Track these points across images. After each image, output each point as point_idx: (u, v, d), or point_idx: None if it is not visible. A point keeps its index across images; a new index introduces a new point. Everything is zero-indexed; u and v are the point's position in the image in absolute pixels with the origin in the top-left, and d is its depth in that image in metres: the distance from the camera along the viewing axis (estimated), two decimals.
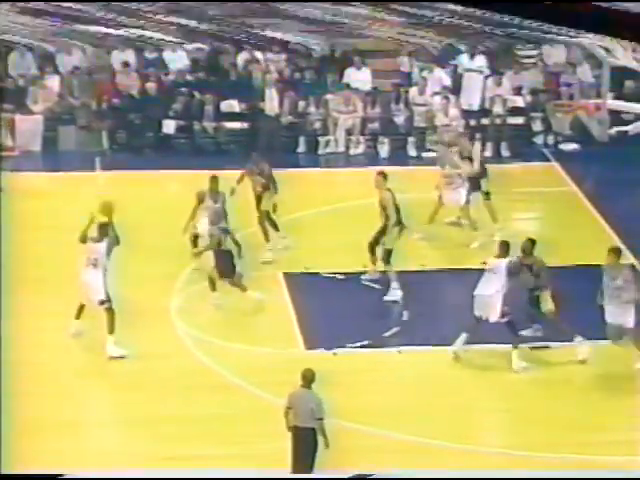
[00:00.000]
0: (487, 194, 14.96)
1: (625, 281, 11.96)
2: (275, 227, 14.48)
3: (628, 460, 10.63)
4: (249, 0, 19.27)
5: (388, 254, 13.53)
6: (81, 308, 12.35)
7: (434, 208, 14.92)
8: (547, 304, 12.30)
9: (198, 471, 10.28)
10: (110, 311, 12.16)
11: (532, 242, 12.57)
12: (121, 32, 19.27)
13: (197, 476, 10.30)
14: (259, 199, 14.45)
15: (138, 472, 10.21)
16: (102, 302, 12.15)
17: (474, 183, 14.92)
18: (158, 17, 19.38)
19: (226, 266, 13.04)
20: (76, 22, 19.32)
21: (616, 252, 12.38)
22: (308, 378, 10.21)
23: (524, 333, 12.51)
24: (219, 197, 14.00)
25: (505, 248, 12.40)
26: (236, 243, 13.64)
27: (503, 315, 12.12)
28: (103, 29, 19.32)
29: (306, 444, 10.10)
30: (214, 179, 14.16)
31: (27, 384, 11.52)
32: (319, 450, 10.06)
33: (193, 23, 19.42)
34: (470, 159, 15.02)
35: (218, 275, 13.07)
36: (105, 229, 12.25)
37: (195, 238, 14.03)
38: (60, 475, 9.21)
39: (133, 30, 19.36)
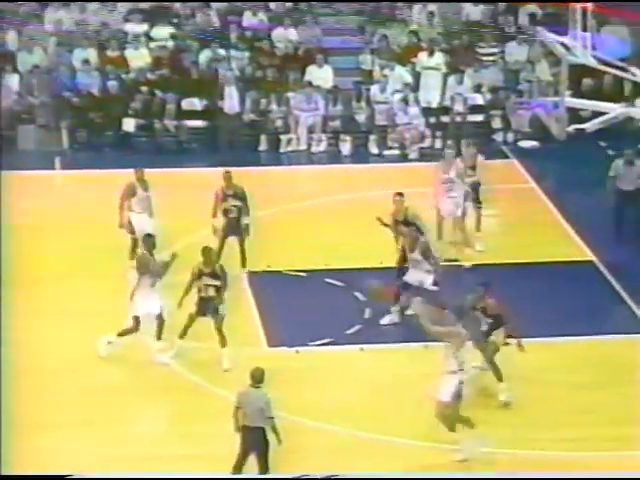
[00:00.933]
0: (480, 203, 14.94)
1: None
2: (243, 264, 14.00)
3: (583, 456, 10.78)
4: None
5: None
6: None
7: (437, 222, 14.63)
8: None
9: (176, 472, 10.32)
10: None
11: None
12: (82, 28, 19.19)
13: (196, 476, 10.30)
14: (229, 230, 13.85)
15: (138, 473, 10.23)
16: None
17: (474, 193, 14.84)
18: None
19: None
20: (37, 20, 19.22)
21: None
22: (257, 377, 10.18)
23: None
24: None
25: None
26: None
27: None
28: (65, 27, 19.23)
29: (256, 444, 10.08)
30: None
31: (27, 384, 11.51)
32: (271, 449, 10.04)
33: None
34: (473, 168, 14.92)
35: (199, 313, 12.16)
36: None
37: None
38: (61, 476, 9.20)
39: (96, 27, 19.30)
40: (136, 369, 11.86)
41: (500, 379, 11.65)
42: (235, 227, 13.94)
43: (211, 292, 12.23)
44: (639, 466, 10.59)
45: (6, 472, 9.73)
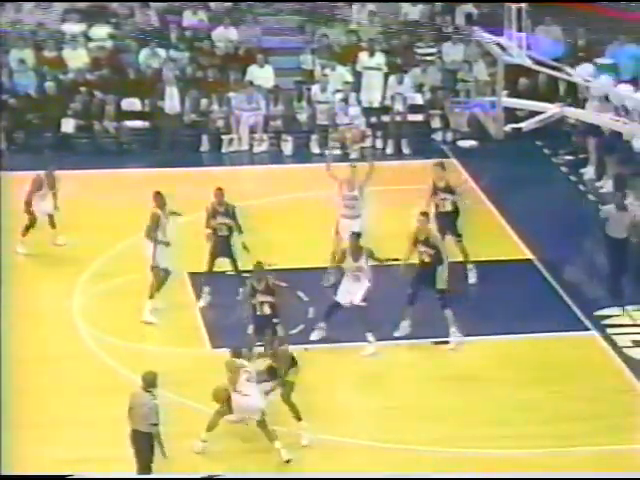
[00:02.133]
0: (460, 236, 14.12)
1: None
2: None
3: (531, 454, 10.97)
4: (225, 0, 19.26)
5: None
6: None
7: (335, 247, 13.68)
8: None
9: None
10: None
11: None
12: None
13: (195, 476, 10.25)
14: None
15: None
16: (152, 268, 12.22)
17: (449, 222, 13.97)
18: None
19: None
20: None
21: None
22: (147, 381, 10.08)
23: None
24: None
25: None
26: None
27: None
28: None
29: (141, 447, 9.97)
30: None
31: (27, 384, 11.43)
32: (156, 456, 9.93)
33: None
34: (449, 190, 14.01)
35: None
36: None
37: None
38: (61, 476, 9.12)
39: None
40: (137, 370, 11.74)
41: (299, 418, 11.11)
42: (225, 247, 13.28)
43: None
44: (577, 464, 10.80)
45: (6, 472, 9.63)
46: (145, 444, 9.98)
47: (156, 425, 9.94)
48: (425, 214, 13.43)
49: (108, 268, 14.28)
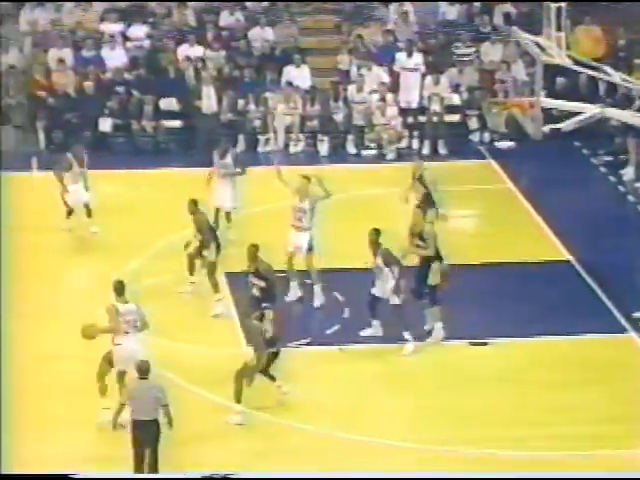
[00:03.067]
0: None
1: None
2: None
3: (566, 456, 10.88)
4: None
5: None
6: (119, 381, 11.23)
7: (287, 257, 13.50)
8: None
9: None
10: None
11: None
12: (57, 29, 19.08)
13: (195, 476, 10.28)
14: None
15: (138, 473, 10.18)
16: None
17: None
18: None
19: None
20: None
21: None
22: (142, 369, 10.22)
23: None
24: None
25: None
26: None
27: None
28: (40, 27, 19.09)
29: (149, 436, 10.06)
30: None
31: (27, 386, 11.49)
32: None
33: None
34: (422, 206, 13.62)
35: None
36: (123, 289, 11.33)
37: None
38: (61, 476, 9.17)
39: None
40: (176, 369, 11.81)
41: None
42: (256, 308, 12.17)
43: (256, 292, 12.14)
44: (614, 465, 10.69)
45: (6, 472, 9.69)
46: (154, 431, 10.07)
47: (167, 405, 10.11)
48: (420, 206, 13.22)
49: (144, 268, 14.34)
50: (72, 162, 14.98)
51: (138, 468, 10.17)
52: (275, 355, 11.54)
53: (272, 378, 11.61)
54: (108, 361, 11.28)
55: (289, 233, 13.58)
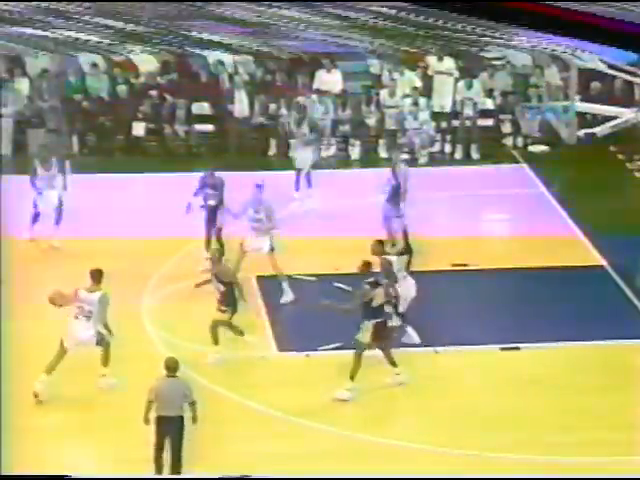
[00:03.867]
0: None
1: None
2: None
3: (596, 461, 10.75)
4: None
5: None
6: (58, 358, 11.56)
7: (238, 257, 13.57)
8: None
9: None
10: (107, 350, 11.74)
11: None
12: (49, 34, 19.04)
13: (196, 476, 10.29)
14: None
15: (138, 473, 10.26)
16: (97, 343, 11.67)
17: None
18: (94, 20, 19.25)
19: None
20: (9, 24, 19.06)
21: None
22: (172, 367, 10.33)
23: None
24: None
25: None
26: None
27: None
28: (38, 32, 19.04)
29: (175, 433, 10.14)
30: None
31: (27, 388, 11.51)
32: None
33: (130, 27, 19.28)
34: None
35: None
36: (99, 278, 11.61)
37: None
38: (61, 476, 9.20)
39: (63, 32, 19.14)
40: (138, 373, 11.83)
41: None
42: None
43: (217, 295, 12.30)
44: None
45: (6, 472, 9.72)
46: (178, 427, 10.15)
47: (194, 403, 10.23)
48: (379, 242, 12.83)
49: (176, 271, 14.36)
50: (36, 166, 14.81)
51: (157, 463, 10.21)
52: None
53: (394, 364, 11.69)
54: (61, 345, 11.50)
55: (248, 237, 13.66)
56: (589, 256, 14.97)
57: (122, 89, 18.71)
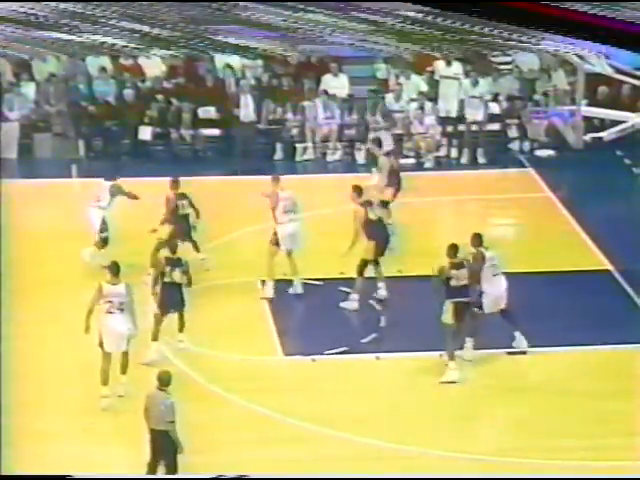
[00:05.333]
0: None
1: None
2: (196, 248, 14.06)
3: (603, 466, 10.71)
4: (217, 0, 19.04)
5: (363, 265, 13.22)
6: (107, 365, 11.43)
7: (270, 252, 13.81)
8: None
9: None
10: (127, 354, 11.55)
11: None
12: (76, 37, 19.03)
13: (196, 477, 10.28)
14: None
15: (138, 473, 10.24)
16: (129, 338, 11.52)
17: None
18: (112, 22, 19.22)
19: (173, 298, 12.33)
20: (38, 29, 19.10)
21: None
22: (163, 380, 10.15)
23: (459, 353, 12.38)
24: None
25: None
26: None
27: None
28: (64, 36, 19.05)
29: (161, 446, 9.98)
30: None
31: (27, 389, 11.54)
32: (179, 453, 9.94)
33: (146, 28, 19.25)
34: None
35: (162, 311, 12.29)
36: (117, 271, 11.60)
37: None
38: (61, 476, 9.19)
39: (90, 36, 19.14)
40: (137, 375, 11.83)
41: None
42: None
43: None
44: None
45: (6, 473, 9.73)
46: (165, 442, 10.00)
47: (173, 422, 9.99)
48: (356, 187, 13.30)
49: None
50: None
51: (150, 473, 10.12)
52: None
53: (452, 356, 11.67)
54: (100, 344, 11.40)
55: (281, 228, 13.72)
56: (595, 260, 14.92)
57: (129, 93, 18.74)
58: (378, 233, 13.36)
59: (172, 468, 10.05)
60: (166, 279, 12.31)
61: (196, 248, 14.12)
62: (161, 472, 10.13)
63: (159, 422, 10.03)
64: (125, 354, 11.57)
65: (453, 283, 11.97)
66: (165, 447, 10.00)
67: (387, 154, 15.53)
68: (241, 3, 16.68)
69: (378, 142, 16.03)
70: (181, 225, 14.07)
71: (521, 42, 19.42)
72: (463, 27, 18.70)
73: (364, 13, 17.87)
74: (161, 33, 18.21)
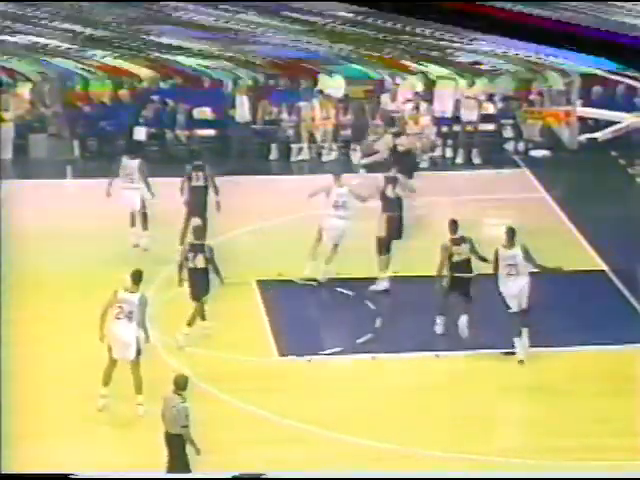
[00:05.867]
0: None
1: None
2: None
3: (604, 466, 10.73)
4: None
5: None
6: (110, 369, 11.47)
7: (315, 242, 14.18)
8: None
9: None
10: (137, 367, 11.45)
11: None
12: (16, 39, 18.91)
13: (196, 476, 10.31)
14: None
15: (138, 473, 10.25)
16: (137, 353, 11.37)
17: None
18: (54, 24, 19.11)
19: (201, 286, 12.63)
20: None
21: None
22: (179, 384, 10.18)
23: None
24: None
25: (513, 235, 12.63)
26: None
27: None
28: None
29: (174, 450, 10.04)
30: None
31: (26, 392, 11.52)
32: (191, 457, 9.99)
33: (88, 30, 19.14)
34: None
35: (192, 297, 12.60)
36: (140, 278, 11.58)
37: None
38: (62, 475, 9.20)
39: (29, 37, 19.03)
40: (205, 377, 11.85)
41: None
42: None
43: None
44: None
45: (6, 472, 9.74)
46: (178, 445, 10.03)
47: (186, 427, 9.98)
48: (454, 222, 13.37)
49: (175, 277, 14.30)
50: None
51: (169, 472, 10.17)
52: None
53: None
54: (109, 353, 11.39)
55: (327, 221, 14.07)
56: (590, 261, 14.95)
57: (124, 94, 18.72)
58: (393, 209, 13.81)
59: (186, 471, 10.07)
60: (190, 265, 12.53)
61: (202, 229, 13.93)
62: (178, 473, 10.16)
63: (173, 426, 10.05)
64: (135, 366, 11.41)
65: (455, 259, 12.65)
66: (176, 450, 10.02)
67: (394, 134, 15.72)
68: (171, 3, 16.66)
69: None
70: (194, 198, 13.93)
71: (453, 42, 19.40)
72: (395, 27, 18.71)
73: (296, 13, 17.86)
74: (94, 33, 18.16)
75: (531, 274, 14.13)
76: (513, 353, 12.63)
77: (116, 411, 11.48)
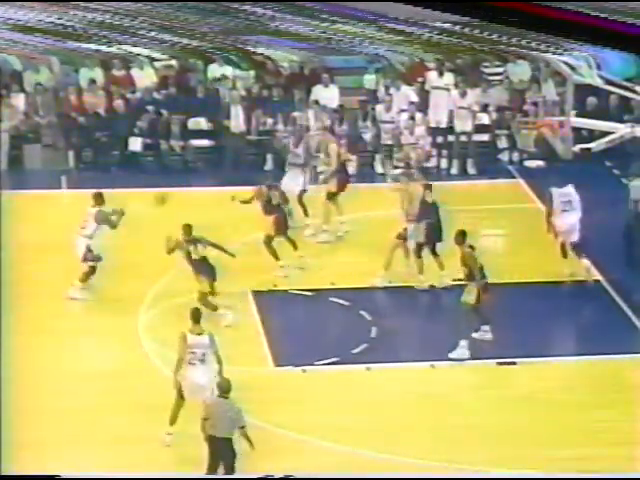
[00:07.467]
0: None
1: None
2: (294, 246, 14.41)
3: (594, 477, 10.73)
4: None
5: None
6: (178, 407, 11.03)
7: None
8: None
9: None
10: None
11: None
12: (98, 47, 19.08)
13: (196, 477, 10.29)
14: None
15: (138, 473, 10.28)
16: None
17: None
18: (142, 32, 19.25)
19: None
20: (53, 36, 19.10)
21: None
22: (224, 388, 10.27)
23: (474, 335, 12.65)
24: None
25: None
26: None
27: None
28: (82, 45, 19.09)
29: (224, 454, 10.15)
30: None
31: (25, 402, 11.49)
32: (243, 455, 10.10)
33: (171, 37, 19.30)
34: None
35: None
36: (199, 316, 11.22)
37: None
38: (57, 476, 9.19)
39: (121, 47, 19.19)
40: (136, 385, 11.81)
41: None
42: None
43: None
44: None
45: (6, 472, 9.72)
46: (227, 449, 10.15)
47: (244, 427, 10.19)
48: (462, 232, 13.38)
49: (171, 287, 14.33)
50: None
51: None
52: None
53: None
54: (179, 394, 11.08)
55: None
56: (584, 271, 14.94)
57: (119, 104, 18.74)
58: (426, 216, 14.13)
59: (231, 473, 10.18)
60: (194, 256, 13.08)
61: (293, 244, 14.34)
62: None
63: (225, 430, 10.12)
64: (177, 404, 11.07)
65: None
66: (226, 453, 10.14)
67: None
68: (268, 12, 16.74)
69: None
70: (279, 216, 14.24)
71: (514, 51, 19.51)
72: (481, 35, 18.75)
73: (391, 23, 17.93)
74: (190, 43, 18.26)
75: (527, 284, 14.19)
76: (509, 363, 12.64)
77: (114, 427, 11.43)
